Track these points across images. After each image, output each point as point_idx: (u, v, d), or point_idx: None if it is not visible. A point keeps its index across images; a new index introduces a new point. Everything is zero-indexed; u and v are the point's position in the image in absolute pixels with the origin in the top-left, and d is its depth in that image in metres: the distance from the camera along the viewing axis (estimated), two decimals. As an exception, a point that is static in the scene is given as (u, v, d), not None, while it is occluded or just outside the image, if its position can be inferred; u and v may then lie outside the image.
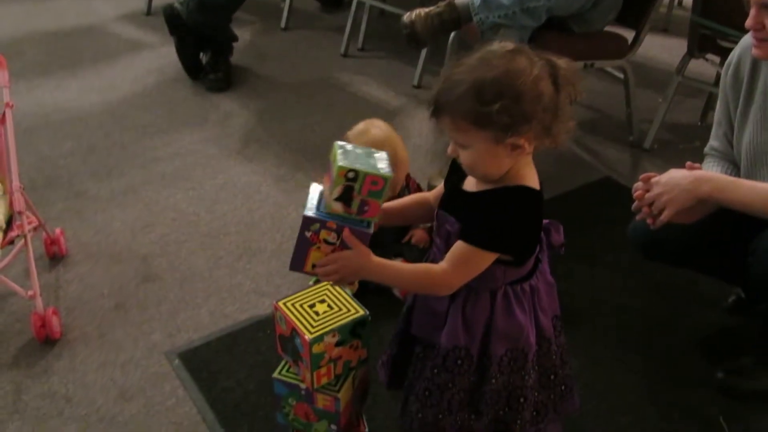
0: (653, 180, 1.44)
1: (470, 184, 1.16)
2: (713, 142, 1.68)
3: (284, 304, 1.26)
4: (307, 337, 1.19)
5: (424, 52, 3.10)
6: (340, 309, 1.25)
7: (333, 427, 1.31)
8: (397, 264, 1.18)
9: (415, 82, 3.15)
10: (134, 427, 1.57)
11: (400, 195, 1.93)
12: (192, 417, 1.59)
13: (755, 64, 1.52)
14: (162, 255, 2.10)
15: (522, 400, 1.21)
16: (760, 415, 1.60)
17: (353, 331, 1.24)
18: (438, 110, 1.07)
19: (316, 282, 1.56)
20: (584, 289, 1.97)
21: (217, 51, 3.11)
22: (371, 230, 1.10)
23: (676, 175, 1.43)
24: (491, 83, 1.02)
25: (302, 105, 3.00)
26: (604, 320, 1.87)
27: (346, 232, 1.08)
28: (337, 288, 1.30)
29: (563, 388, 1.28)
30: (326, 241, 1.09)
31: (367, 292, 1.84)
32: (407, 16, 2.27)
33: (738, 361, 1.68)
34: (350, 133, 1.84)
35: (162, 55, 3.35)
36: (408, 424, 1.25)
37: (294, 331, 1.22)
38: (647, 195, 1.44)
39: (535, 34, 2.26)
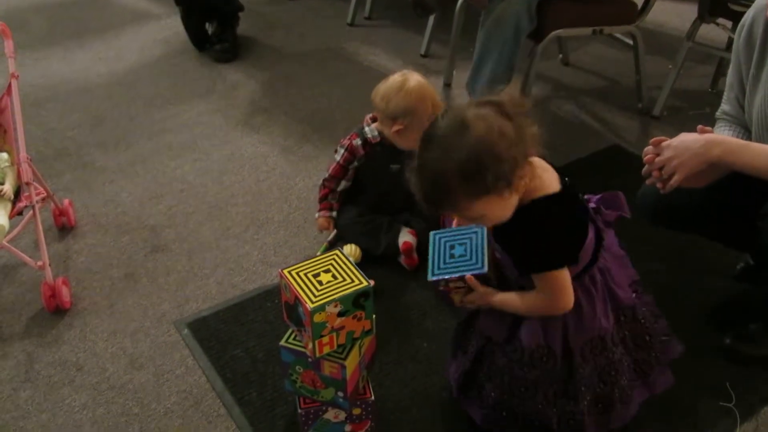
0: (664, 144, 1.43)
1: None
2: (725, 106, 1.65)
3: (289, 272, 1.27)
4: (309, 306, 1.19)
5: (431, 20, 3.06)
6: (344, 279, 1.25)
7: (340, 394, 1.32)
8: (513, 298, 1.26)
9: (423, 51, 3.11)
10: (144, 395, 1.59)
11: None
12: (201, 385, 1.61)
13: None
14: (170, 226, 2.11)
15: (613, 373, 1.29)
16: (765, 380, 1.60)
17: (356, 301, 1.24)
18: (437, 207, 1.14)
19: (324, 251, 1.56)
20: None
21: (224, 21, 3.09)
22: (485, 269, 1.23)
23: (687, 139, 1.41)
24: (468, 162, 1.05)
25: (309, 75, 2.98)
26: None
27: (468, 279, 1.24)
28: (343, 258, 1.30)
29: (662, 340, 1.37)
30: (457, 287, 1.27)
31: (372, 261, 1.85)
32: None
33: (745, 328, 1.67)
34: (383, 86, 1.80)
35: (168, 26, 3.33)
36: (496, 416, 1.35)
37: (297, 300, 1.23)
38: (657, 159, 1.43)
39: (543, 1, 2.22)
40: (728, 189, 1.50)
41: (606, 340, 1.27)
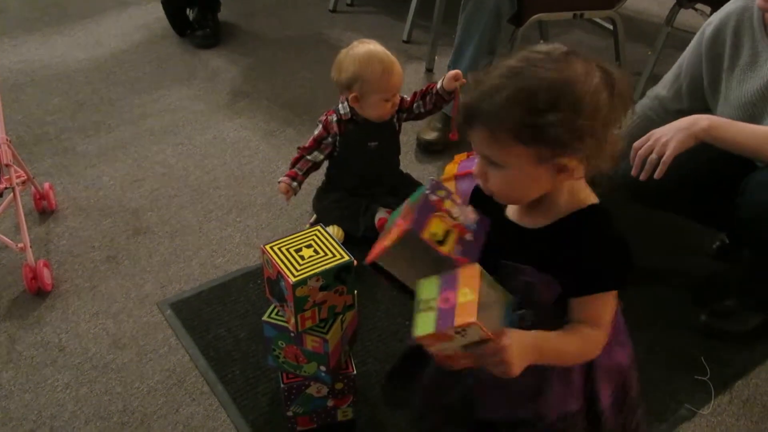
0: (649, 133, 1.47)
1: (519, 215, 1.01)
2: (662, 90, 1.72)
3: (271, 247, 1.28)
4: (291, 280, 1.20)
5: (413, 5, 3.06)
6: (326, 254, 1.26)
7: (322, 368, 1.33)
8: (556, 338, 0.97)
9: (405, 37, 3.12)
10: (127, 374, 1.59)
11: (404, 110, 1.92)
12: (184, 364, 1.62)
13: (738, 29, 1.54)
14: (152, 209, 2.11)
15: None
16: (739, 355, 1.64)
17: (338, 275, 1.25)
18: (473, 118, 0.90)
19: (314, 223, 1.56)
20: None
21: (205, 7, 3.07)
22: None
23: (672, 122, 1.45)
24: (546, 90, 0.86)
25: (291, 61, 2.97)
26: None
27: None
28: (325, 234, 1.31)
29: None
30: (450, 215, 0.97)
31: (353, 243, 1.86)
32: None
33: (721, 305, 1.71)
34: (344, 51, 1.82)
35: (149, 12, 3.30)
36: None
37: (279, 275, 1.24)
38: (644, 146, 1.46)
39: (524, -17, 2.24)
40: (706, 168, 1.54)
41: (630, 393, 1.09)
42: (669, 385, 1.57)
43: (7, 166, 1.78)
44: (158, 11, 3.14)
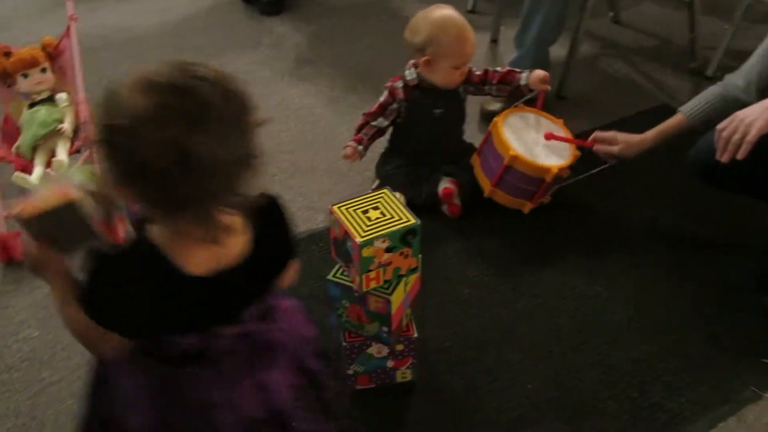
0: (732, 115, 1.44)
1: None
2: (738, 80, 1.67)
3: (339, 208, 1.30)
4: (358, 240, 1.23)
5: (480, -25, 3.03)
6: (393, 216, 1.28)
7: (384, 329, 1.36)
8: None
9: (470, 7, 3.08)
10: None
11: (472, 84, 1.91)
12: (248, 320, 1.67)
13: None
14: (218, 171, 2.16)
15: None
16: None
17: (403, 238, 1.27)
18: None
19: (376, 189, 1.59)
20: (638, 213, 1.96)
21: (271, -27, 3.10)
22: None
23: (757, 103, 1.43)
24: None
25: (355, 28, 2.98)
26: (657, 244, 1.86)
27: None
28: (391, 196, 1.33)
29: None
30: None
31: (415, 209, 1.87)
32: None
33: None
34: (411, 20, 1.82)
35: (216, -22, 3.35)
36: None
37: (346, 235, 1.26)
38: (728, 128, 1.43)
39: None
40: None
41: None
42: (734, 366, 1.54)
43: (85, 123, 1.85)
44: (226, -22, 3.18)
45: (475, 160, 1.95)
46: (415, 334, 1.42)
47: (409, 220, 1.28)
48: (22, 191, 1.90)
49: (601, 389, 1.49)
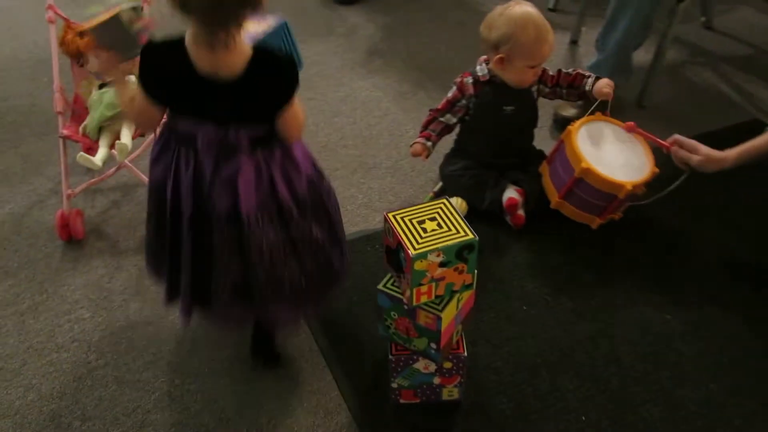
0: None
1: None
2: None
3: (394, 216, 1.24)
4: (411, 252, 1.17)
5: (564, -29, 2.90)
6: (449, 229, 1.21)
7: (432, 345, 1.30)
8: None
9: (551, 5, 2.96)
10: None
11: (545, 85, 1.84)
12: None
13: None
14: (280, 161, 2.13)
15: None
16: None
17: (459, 253, 1.20)
18: None
19: (431, 199, 1.53)
20: (718, 238, 1.83)
21: (349, -39, 3.05)
22: None
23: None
24: None
25: (431, 23, 2.90)
26: (736, 276, 1.73)
27: None
28: (450, 207, 1.26)
29: None
30: None
31: (477, 216, 1.79)
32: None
33: None
34: (489, 14, 1.75)
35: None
36: None
37: (400, 245, 1.20)
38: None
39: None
40: None
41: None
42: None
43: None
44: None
45: (545, 169, 1.86)
46: (465, 353, 1.35)
47: (466, 235, 1.20)
48: (87, 171, 1.92)
49: (662, 429, 1.38)
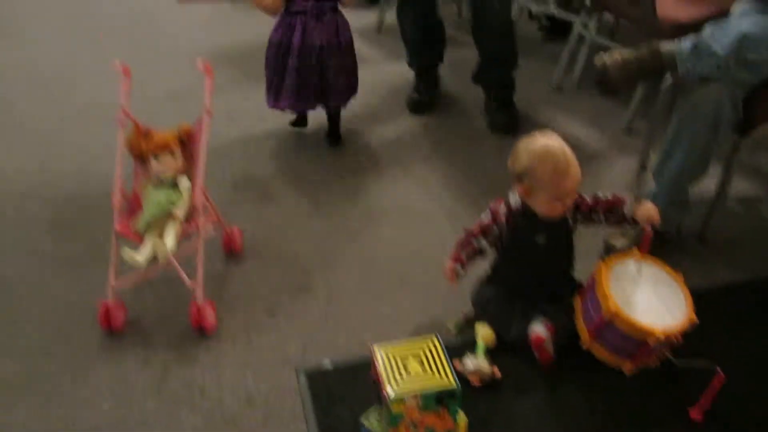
0: None
1: None
2: None
3: (379, 349, 1.23)
4: (388, 395, 1.14)
5: (638, 94, 2.85)
6: (432, 373, 1.18)
7: (412, 490, 1.24)
8: None
9: (624, 125, 2.91)
10: (248, 433, 1.64)
11: (580, 212, 1.79)
12: (301, 436, 1.62)
13: None
14: (319, 269, 2.17)
15: None
16: None
17: (439, 399, 1.16)
18: None
19: (457, 325, 1.48)
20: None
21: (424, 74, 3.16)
22: None
23: None
24: None
25: (497, 137, 2.92)
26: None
27: None
28: (438, 347, 1.24)
29: None
30: None
31: (506, 346, 1.72)
32: (601, 58, 2.09)
33: None
34: (525, 140, 1.72)
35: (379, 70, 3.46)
36: None
37: (380, 381, 1.18)
38: None
39: (757, 93, 1.95)
40: None
41: None
42: None
43: (196, 210, 1.95)
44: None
45: (578, 303, 1.78)
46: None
47: (449, 383, 1.17)
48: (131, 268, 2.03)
49: None
